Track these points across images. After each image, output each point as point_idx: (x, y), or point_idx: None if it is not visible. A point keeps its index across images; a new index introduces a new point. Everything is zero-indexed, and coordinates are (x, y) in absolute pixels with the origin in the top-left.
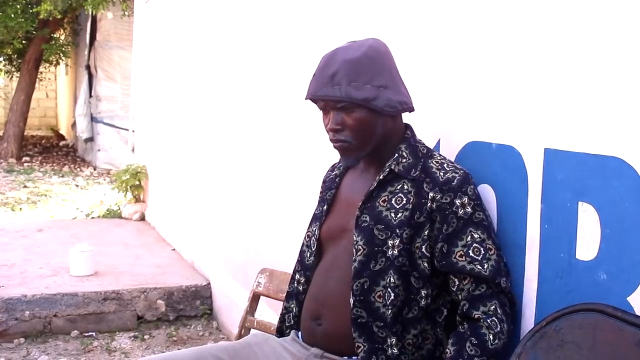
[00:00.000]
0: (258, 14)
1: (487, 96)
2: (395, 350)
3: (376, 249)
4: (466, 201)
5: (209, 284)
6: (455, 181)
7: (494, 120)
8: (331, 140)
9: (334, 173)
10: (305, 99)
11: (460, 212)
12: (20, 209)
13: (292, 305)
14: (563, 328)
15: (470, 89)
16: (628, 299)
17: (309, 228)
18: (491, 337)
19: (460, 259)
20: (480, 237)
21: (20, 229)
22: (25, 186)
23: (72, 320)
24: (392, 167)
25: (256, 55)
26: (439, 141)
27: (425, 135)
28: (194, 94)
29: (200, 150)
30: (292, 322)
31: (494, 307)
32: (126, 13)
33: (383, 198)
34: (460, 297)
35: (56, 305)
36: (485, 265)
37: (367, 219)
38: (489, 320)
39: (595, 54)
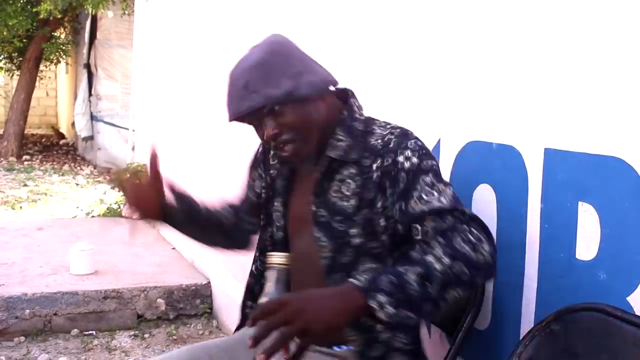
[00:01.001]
0: (259, 12)
1: (487, 96)
2: (389, 334)
3: (340, 241)
4: (409, 154)
5: (209, 282)
6: (392, 143)
7: (494, 120)
8: (275, 148)
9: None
10: (229, 121)
11: (407, 165)
12: (21, 207)
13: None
14: (563, 328)
15: (470, 88)
16: (628, 298)
17: (252, 215)
18: (458, 239)
19: (416, 205)
20: (431, 181)
21: (20, 228)
22: (25, 185)
23: (72, 318)
24: (329, 154)
25: None
26: (439, 140)
27: (425, 134)
28: (194, 92)
29: (200, 150)
30: None
31: (465, 226)
32: (126, 12)
33: (334, 188)
34: (428, 238)
35: (56, 304)
36: (444, 200)
37: (324, 212)
38: (459, 232)
39: (595, 54)
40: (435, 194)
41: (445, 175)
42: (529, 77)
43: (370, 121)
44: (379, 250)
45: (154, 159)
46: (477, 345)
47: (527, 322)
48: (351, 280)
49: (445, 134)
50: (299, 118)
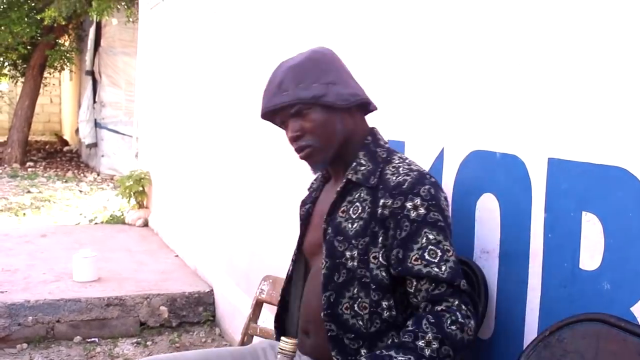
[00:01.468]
0: (263, 22)
1: (491, 105)
2: None
3: (337, 260)
4: (418, 202)
5: (212, 290)
6: (406, 184)
7: (498, 130)
8: (295, 150)
9: (311, 189)
10: (261, 117)
11: (413, 214)
12: (24, 214)
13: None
14: (566, 338)
15: (474, 98)
16: (631, 309)
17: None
18: (449, 321)
19: (416, 262)
20: (435, 239)
21: (23, 234)
22: (29, 191)
23: (75, 325)
24: (350, 177)
25: (261, 63)
26: (442, 150)
27: (429, 144)
28: (198, 101)
29: (203, 157)
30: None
31: (457, 302)
32: (131, 19)
33: (342, 208)
34: (419, 298)
35: (59, 311)
36: (443, 268)
37: (330, 230)
38: (450, 312)
39: (599, 64)
40: (439, 255)
41: (449, 184)
42: (533, 87)
43: (391, 152)
44: (365, 279)
45: None
46: (479, 355)
47: (530, 331)
48: None
49: (449, 143)
50: (322, 125)
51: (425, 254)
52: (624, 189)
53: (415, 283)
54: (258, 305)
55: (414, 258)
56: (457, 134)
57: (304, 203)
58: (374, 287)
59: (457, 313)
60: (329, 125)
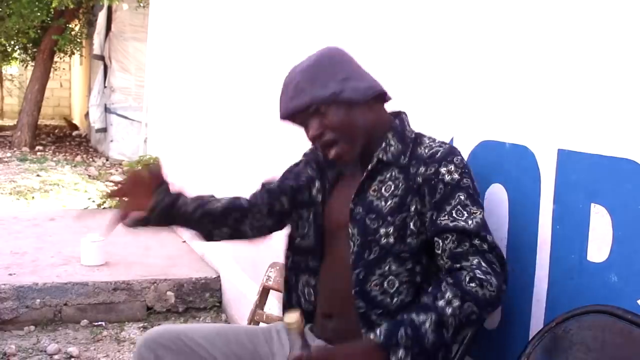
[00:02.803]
0: (275, 5)
1: (501, 95)
2: None
3: (369, 238)
4: (452, 168)
5: (218, 276)
6: (439, 153)
7: (507, 120)
8: (320, 148)
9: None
10: (280, 120)
11: (447, 178)
12: (33, 197)
13: (313, 282)
14: (572, 329)
15: (484, 88)
16: (638, 301)
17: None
18: (467, 279)
19: (444, 218)
20: (465, 202)
21: (32, 218)
22: (37, 175)
23: (82, 309)
24: (380, 157)
25: (275, 46)
26: (452, 139)
27: (438, 133)
28: (209, 87)
29: (212, 143)
30: (312, 299)
31: (477, 260)
32: (141, 4)
33: (373, 188)
34: (444, 258)
35: (67, 294)
36: (470, 222)
37: (360, 210)
38: (469, 270)
39: (609, 56)
40: (465, 214)
41: None
42: (544, 78)
43: (420, 135)
44: (404, 254)
45: (157, 168)
46: (485, 345)
47: (537, 322)
48: (371, 337)
49: (458, 133)
50: (343, 120)
51: (454, 212)
52: (633, 181)
53: (441, 243)
54: (265, 292)
55: (442, 216)
56: (467, 123)
57: (311, 201)
58: (409, 256)
59: (477, 270)
60: (350, 120)
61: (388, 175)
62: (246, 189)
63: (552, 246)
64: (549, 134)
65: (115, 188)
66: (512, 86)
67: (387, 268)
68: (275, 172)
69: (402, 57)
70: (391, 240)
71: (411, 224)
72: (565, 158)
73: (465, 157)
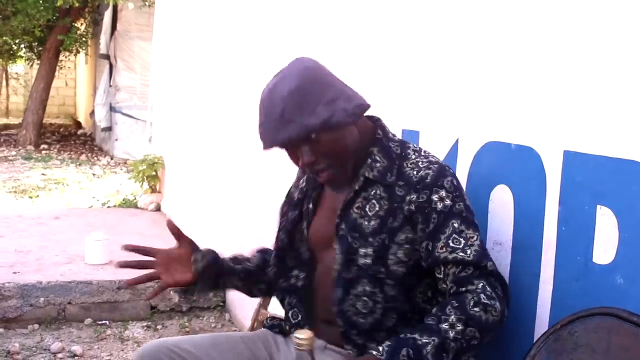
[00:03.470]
0: (280, 4)
1: (506, 96)
2: None
3: (350, 257)
4: (444, 194)
5: None
6: (429, 178)
7: (513, 121)
8: (312, 174)
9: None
10: (264, 149)
11: (440, 206)
12: (37, 196)
13: (295, 301)
14: (578, 331)
15: (490, 88)
16: None
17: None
18: (471, 303)
19: (442, 250)
20: (459, 228)
21: (36, 216)
22: (42, 173)
23: (86, 308)
24: (366, 175)
25: (279, 46)
26: (457, 140)
27: (444, 134)
28: (213, 85)
29: (216, 143)
30: (299, 318)
31: (482, 284)
32: (147, 3)
33: (357, 205)
34: (448, 282)
35: (71, 293)
36: (468, 252)
37: (344, 227)
38: (474, 294)
39: (615, 58)
40: (462, 242)
41: (463, 175)
42: (550, 79)
43: (404, 145)
44: (380, 275)
45: (174, 229)
46: (490, 346)
47: (542, 324)
48: (373, 351)
49: (463, 134)
50: (335, 145)
51: (450, 242)
52: (639, 183)
53: (443, 269)
54: None
55: (440, 247)
56: (472, 124)
57: (312, 187)
58: (391, 282)
59: (481, 294)
60: (341, 144)
61: (372, 193)
62: (250, 188)
63: (558, 248)
64: (555, 135)
65: (148, 272)
66: (517, 87)
67: (361, 289)
68: (278, 172)
69: (408, 58)
70: (369, 261)
71: (399, 252)
72: (571, 159)
73: (471, 158)
